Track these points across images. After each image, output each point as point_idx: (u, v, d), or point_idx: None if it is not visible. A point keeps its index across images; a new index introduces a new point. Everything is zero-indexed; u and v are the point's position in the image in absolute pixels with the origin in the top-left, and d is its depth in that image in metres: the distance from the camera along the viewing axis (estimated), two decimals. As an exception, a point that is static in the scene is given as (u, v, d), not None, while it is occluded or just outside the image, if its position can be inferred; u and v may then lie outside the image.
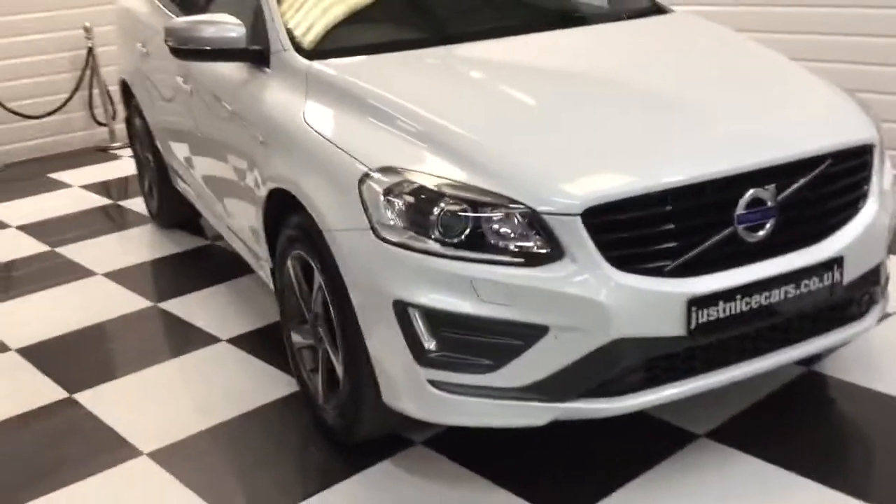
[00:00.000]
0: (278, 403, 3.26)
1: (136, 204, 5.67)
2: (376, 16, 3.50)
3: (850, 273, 2.62)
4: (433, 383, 2.49)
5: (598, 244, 2.36)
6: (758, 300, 2.47)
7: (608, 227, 2.38)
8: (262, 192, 3.09)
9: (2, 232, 5.46)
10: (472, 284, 2.38)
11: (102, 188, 6.27)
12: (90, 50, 7.20)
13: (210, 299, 4.22)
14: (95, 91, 7.39)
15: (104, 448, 3.06)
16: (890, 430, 2.89)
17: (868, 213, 2.67)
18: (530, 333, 2.38)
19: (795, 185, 2.53)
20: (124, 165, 6.60)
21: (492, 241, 2.40)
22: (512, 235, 2.40)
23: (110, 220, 5.60)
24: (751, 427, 2.92)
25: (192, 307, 4.15)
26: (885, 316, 3.49)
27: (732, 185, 2.47)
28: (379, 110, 2.77)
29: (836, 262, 2.57)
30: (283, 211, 2.97)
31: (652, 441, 2.87)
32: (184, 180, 4.54)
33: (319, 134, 2.80)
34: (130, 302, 4.26)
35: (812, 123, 2.73)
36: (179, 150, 4.41)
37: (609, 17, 3.65)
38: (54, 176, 6.65)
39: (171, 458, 2.98)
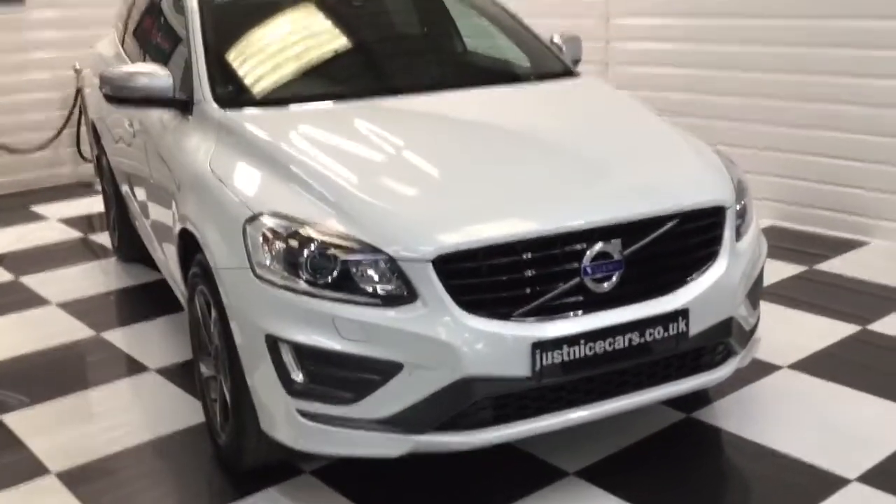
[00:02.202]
0: (189, 431, 3.46)
1: (105, 238, 5.94)
2: (294, 70, 3.75)
3: (697, 325, 2.80)
4: (302, 413, 2.70)
5: (449, 289, 2.57)
6: (602, 346, 2.67)
7: (459, 274, 2.59)
8: (175, 231, 3.34)
9: (-30, 261, 5.74)
10: (333, 322, 2.59)
11: (78, 222, 6.54)
12: (79, 90, 7.54)
13: (149, 331, 4.45)
14: (83, 129, 7.71)
15: (17, 466, 3.27)
16: (759, 478, 3.03)
17: (717, 269, 2.86)
18: (386, 369, 2.59)
19: (641, 242, 2.73)
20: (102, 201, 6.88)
21: (355, 283, 2.62)
22: (374, 278, 2.61)
23: (77, 253, 5.85)
24: (622, 468, 3.09)
25: (130, 338, 4.38)
26: (773, 369, 3.70)
27: (580, 238, 2.68)
28: (272, 159, 3.01)
29: (681, 315, 2.76)
30: (191, 250, 3.21)
31: (521, 475, 3.05)
32: (135, 218, 4.80)
33: (219, 178, 3.04)
34: (75, 331, 4.50)
35: (665, 185, 2.93)
36: (129, 189, 4.68)
37: (518, 78, 3.90)
38: (36, 209, 6.95)
39: (77, 478, 3.18)
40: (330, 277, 2.63)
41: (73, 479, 3.17)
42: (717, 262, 2.88)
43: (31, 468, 3.25)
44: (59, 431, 3.52)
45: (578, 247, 2.67)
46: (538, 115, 3.49)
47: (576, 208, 2.74)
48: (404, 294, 2.59)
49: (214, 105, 3.40)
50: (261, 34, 3.91)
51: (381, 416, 2.63)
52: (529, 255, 2.63)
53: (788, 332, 4.03)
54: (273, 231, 2.72)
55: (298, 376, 2.67)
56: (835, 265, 4.89)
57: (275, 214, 2.76)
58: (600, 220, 2.71)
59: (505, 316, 2.61)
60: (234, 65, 3.70)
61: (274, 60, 3.79)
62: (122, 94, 3.55)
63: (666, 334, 2.75)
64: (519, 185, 2.84)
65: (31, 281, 5.28)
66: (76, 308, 4.81)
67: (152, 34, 4.50)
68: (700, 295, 2.80)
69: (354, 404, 2.64)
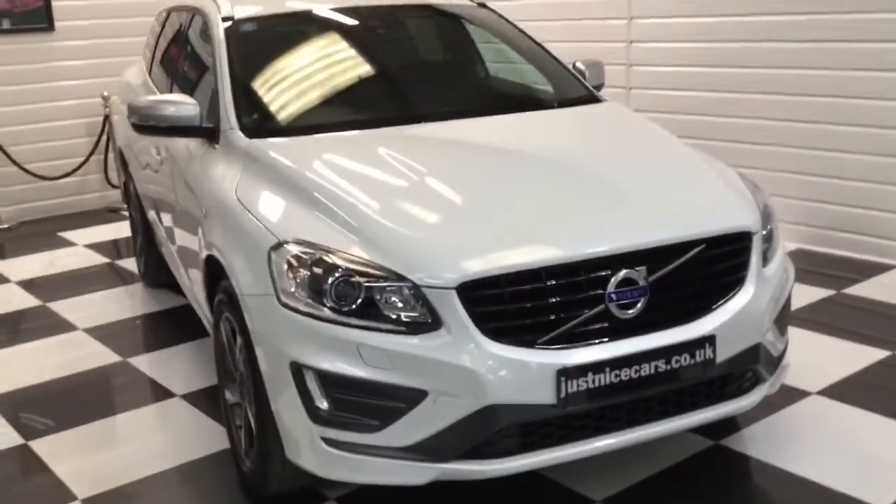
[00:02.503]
0: (214, 457, 3.47)
1: (131, 264, 5.99)
2: (319, 98, 3.78)
3: (724, 352, 2.78)
4: (326, 441, 2.70)
5: (473, 316, 2.57)
6: (627, 373, 2.65)
7: (483, 301, 2.59)
8: (202, 257, 3.36)
9: (0, 287, 5.79)
10: (357, 349, 2.59)
11: (105, 248, 6.61)
12: (106, 117, 7.63)
13: (175, 357, 4.48)
14: (111, 155, 7.80)
15: (44, 494, 3.29)
16: (785, 505, 3.01)
17: (744, 295, 2.84)
18: (411, 397, 2.58)
19: (666, 268, 2.72)
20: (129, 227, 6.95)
21: (379, 311, 2.62)
22: (398, 306, 2.62)
23: (104, 278, 5.91)
24: (649, 496, 3.06)
25: (157, 363, 4.41)
26: (802, 395, 3.65)
27: (605, 265, 2.67)
28: (297, 187, 3.03)
29: (707, 341, 2.74)
30: (217, 277, 3.23)
31: (547, 502, 3.02)
32: (161, 243, 4.84)
33: (244, 206, 3.07)
34: (102, 356, 4.53)
35: (690, 210, 2.92)
36: (156, 216, 4.72)
37: (541, 104, 3.91)
38: (63, 234, 7.03)
39: (102, 504, 3.20)
40: (354, 305, 2.63)
41: (98, 505, 3.19)
42: (743, 288, 2.86)
43: (58, 494, 3.27)
44: (84, 457, 3.53)
45: (603, 273, 2.66)
46: (562, 141, 3.50)
47: (600, 234, 2.74)
48: (428, 321, 2.59)
49: (240, 134, 3.44)
50: (286, 63, 3.95)
51: (405, 443, 2.62)
52: (554, 282, 2.63)
53: (817, 358, 3.99)
54: (298, 258, 2.73)
55: (323, 404, 2.67)
56: (863, 289, 4.84)
57: (299, 242, 2.77)
58: (625, 246, 2.70)
59: (529, 343, 2.60)
60: (260, 94, 3.74)
61: (299, 89, 3.83)
62: (149, 123, 3.59)
63: (693, 361, 2.73)
64: (543, 212, 2.84)
65: (59, 306, 5.33)
66: (102, 333, 4.85)
67: (179, 63, 4.56)
68: (727, 321, 2.78)
69: (379, 432, 2.63)
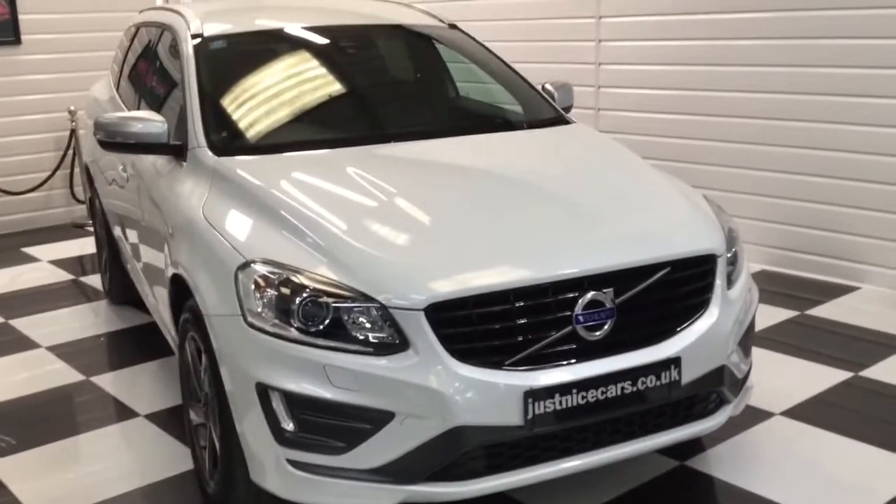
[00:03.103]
0: (178, 479, 3.42)
1: (96, 280, 5.92)
2: (288, 117, 3.77)
3: (689, 373, 2.80)
4: (292, 463, 2.67)
5: (441, 337, 2.57)
6: (594, 395, 2.66)
7: (451, 322, 2.59)
8: (167, 275, 3.33)
9: (-39, 303, 5.71)
10: (325, 370, 2.58)
11: (70, 264, 6.53)
12: (73, 131, 7.56)
13: (139, 375, 4.42)
14: (77, 170, 7.72)
15: (2, 514, 3.24)
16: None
17: (709, 318, 2.87)
18: (378, 418, 2.57)
19: (633, 291, 2.74)
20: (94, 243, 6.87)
21: (346, 331, 2.61)
22: (365, 327, 2.61)
23: (68, 295, 5.83)
24: (614, 518, 3.07)
25: (120, 382, 4.35)
26: (766, 416, 3.69)
27: (572, 287, 2.68)
28: (264, 206, 3.02)
29: (673, 363, 2.76)
30: (183, 296, 3.20)
31: (513, 526, 3.02)
32: (127, 261, 4.79)
33: (211, 224, 3.05)
34: (65, 375, 4.47)
35: (657, 233, 2.94)
36: (121, 232, 4.68)
37: (510, 126, 3.93)
38: (27, 250, 6.93)
39: (62, 526, 3.15)
40: (322, 325, 2.62)
41: (59, 528, 3.14)
42: (708, 311, 2.89)
43: (17, 517, 3.21)
44: (44, 477, 3.47)
45: (570, 295, 2.67)
46: (530, 162, 3.52)
47: (568, 257, 2.75)
48: (396, 342, 2.58)
49: (209, 152, 3.42)
50: (256, 81, 3.94)
51: (372, 465, 2.61)
52: (521, 304, 2.63)
53: (781, 379, 4.03)
54: (265, 278, 2.72)
55: (289, 425, 2.65)
56: (826, 310, 4.90)
57: (267, 262, 2.75)
58: (592, 268, 2.71)
59: (497, 364, 2.60)
60: (229, 112, 3.72)
61: (268, 107, 3.82)
62: (116, 140, 3.57)
63: (658, 382, 2.74)
64: (511, 234, 2.85)
65: (21, 323, 5.25)
66: (65, 351, 4.78)
67: (147, 79, 4.53)
68: (692, 343, 2.80)
69: (345, 454, 2.62)
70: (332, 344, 2.60)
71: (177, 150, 3.57)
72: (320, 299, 2.63)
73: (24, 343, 4.93)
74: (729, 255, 3.09)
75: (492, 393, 2.57)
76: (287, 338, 2.63)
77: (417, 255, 2.74)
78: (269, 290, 2.69)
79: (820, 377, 4.05)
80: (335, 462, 2.63)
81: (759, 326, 4.40)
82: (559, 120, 3.99)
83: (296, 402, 2.62)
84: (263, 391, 2.65)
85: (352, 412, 2.58)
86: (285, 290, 2.67)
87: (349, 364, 2.57)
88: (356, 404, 2.57)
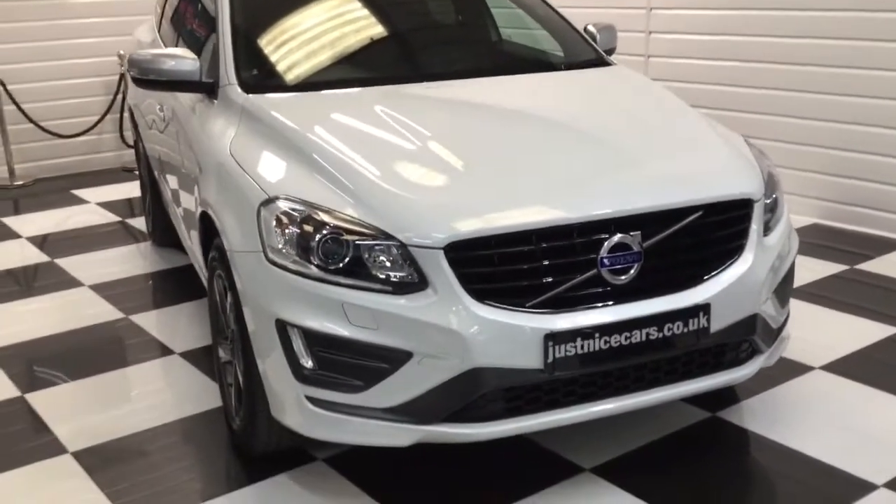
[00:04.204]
0: (208, 414, 3.46)
1: (142, 223, 5.99)
2: (322, 55, 3.71)
3: (719, 321, 2.71)
4: (311, 400, 2.67)
5: (460, 277, 2.52)
6: (618, 340, 2.59)
7: (471, 262, 2.54)
8: (196, 214, 3.33)
9: (12, 242, 5.81)
10: (343, 308, 2.55)
11: (117, 206, 6.61)
12: (122, 76, 7.60)
13: (177, 315, 4.47)
14: (126, 114, 7.79)
15: (36, 445, 3.29)
16: (782, 481, 2.94)
17: (742, 264, 2.77)
18: (395, 357, 2.55)
19: (662, 234, 2.65)
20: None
21: (366, 270, 2.58)
22: (385, 265, 2.57)
23: (115, 236, 5.90)
24: (640, 466, 3.01)
25: (159, 321, 4.40)
26: (805, 370, 3.58)
27: (598, 229, 2.60)
28: (291, 144, 2.98)
29: (702, 310, 2.67)
30: (210, 234, 3.19)
31: (535, 469, 2.98)
32: (168, 203, 4.82)
33: (237, 162, 3.02)
34: (105, 313, 4.53)
35: (689, 175, 2.84)
36: (161, 175, 4.70)
37: (549, 67, 3.82)
38: (77, 192, 7.03)
39: (92, 458, 3.19)
40: (341, 263, 2.59)
41: (90, 460, 3.18)
42: (742, 257, 2.79)
43: (48, 448, 3.27)
44: (78, 412, 3.54)
45: (596, 237, 2.60)
46: (566, 103, 3.42)
47: (595, 198, 2.67)
48: (415, 282, 2.54)
49: (238, 89, 3.39)
50: (290, 18, 3.88)
51: (389, 404, 2.59)
52: (544, 245, 2.57)
53: (823, 333, 3.91)
54: (287, 214, 2.69)
55: (308, 362, 2.64)
56: (876, 265, 4.73)
57: (289, 198, 2.73)
58: (619, 210, 2.63)
59: (517, 306, 2.55)
60: (261, 49, 3.69)
61: (302, 45, 3.77)
62: (148, 77, 3.55)
63: (686, 329, 2.67)
64: (537, 173, 2.78)
65: (67, 263, 5.33)
66: (108, 291, 4.84)
67: (186, 19, 4.51)
68: (723, 290, 2.71)
69: (363, 392, 2.60)
70: (351, 282, 2.57)
71: (208, 87, 3.54)
72: (341, 237, 2.60)
73: (68, 282, 5.01)
74: (768, 200, 2.98)
75: (511, 335, 2.52)
76: (307, 275, 2.61)
77: (440, 194, 2.69)
78: (290, 226, 2.67)
79: (864, 332, 3.92)
80: (353, 400, 2.62)
81: (805, 280, 4.30)
82: (599, 61, 3.87)
83: (314, 340, 2.61)
84: (283, 328, 2.64)
85: (369, 351, 2.56)
86: (306, 227, 2.64)
87: (367, 302, 2.54)
88: (374, 343, 2.54)
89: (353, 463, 3.06)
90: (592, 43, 4.02)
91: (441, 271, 2.51)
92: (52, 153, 7.60)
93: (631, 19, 6.17)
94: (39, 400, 3.64)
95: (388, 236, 2.56)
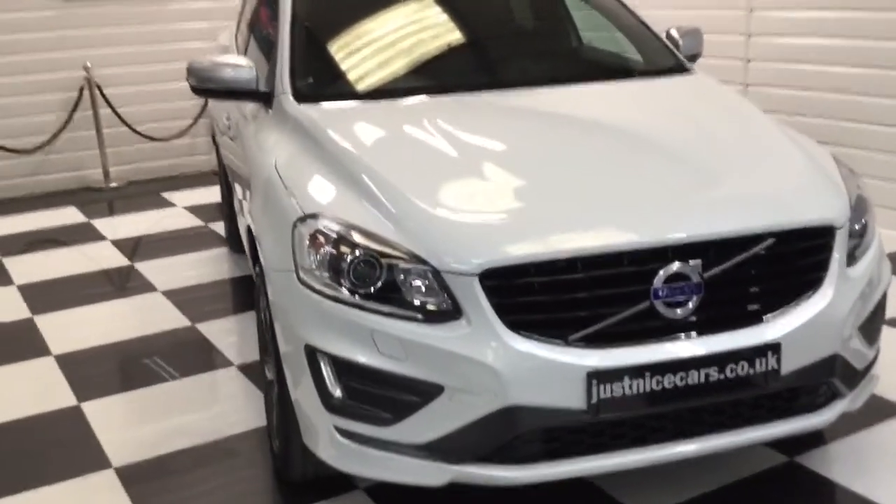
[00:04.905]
0: (256, 433, 3.36)
1: (223, 228, 5.99)
2: (381, 63, 3.56)
3: (792, 362, 2.43)
4: (340, 431, 2.51)
5: (497, 307, 2.32)
6: (672, 381, 2.34)
7: (509, 290, 2.33)
8: (243, 228, 3.23)
9: (96, 244, 5.90)
10: (372, 336, 2.39)
11: (204, 211, 6.64)
12: (215, 80, 7.66)
13: (241, 325, 4.41)
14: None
15: (79, 459, 3.25)
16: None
17: (821, 299, 2.47)
18: (426, 391, 2.36)
19: (726, 264, 2.38)
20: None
21: (398, 296, 2.40)
22: (417, 292, 2.39)
23: (196, 241, 5.91)
24: (710, 513, 2.76)
25: (223, 330, 4.35)
26: (893, 415, 3.23)
27: (651, 257, 2.36)
28: (335, 160, 2.83)
29: (771, 349, 2.39)
30: (255, 249, 3.08)
31: (584, 512, 2.76)
32: (238, 211, 4.76)
33: (280, 176, 2.90)
34: (172, 319, 4.51)
35: (761, 198, 2.56)
36: (231, 182, 4.65)
37: (622, 74, 3.57)
38: (166, 195, 7.12)
39: (133, 475, 3.13)
40: (372, 288, 2.42)
41: (130, 475, 3.12)
42: (821, 290, 2.49)
43: (92, 462, 3.22)
44: (131, 425, 3.49)
45: (650, 266, 2.35)
46: (631, 116, 3.16)
47: (649, 222, 2.42)
48: (448, 310, 2.35)
49: (291, 98, 3.27)
50: (356, 24, 3.75)
51: (420, 441, 2.41)
52: (590, 273, 2.34)
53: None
54: (322, 233, 2.54)
55: (336, 391, 2.48)
56: None
57: (325, 217, 2.58)
58: (677, 236, 2.38)
59: (559, 340, 2.32)
60: (321, 56, 3.57)
61: (366, 51, 3.63)
62: (206, 86, 3.48)
63: (752, 371, 2.39)
64: (590, 194, 2.55)
65: (145, 267, 5.37)
66: (179, 297, 4.83)
67: (259, 23, 4.44)
68: (798, 328, 2.42)
69: (393, 426, 2.43)
70: (381, 308, 2.40)
71: (265, 97, 3.44)
72: (372, 259, 2.43)
73: (142, 287, 5.02)
74: (857, 226, 2.67)
75: (551, 372, 2.30)
76: (336, 298, 2.45)
77: (482, 216, 2.48)
78: (323, 246, 2.52)
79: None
80: (382, 434, 2.45)
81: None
82: (678, 69, 3.59)
83: (343, 368, 2.45)
84: (312, 354, 2.49)
85: (398, 383, 2.38)
86: (339, 248, 2.49)
87: (397, 331, 2.37)
88: (403, 374, 2.37)
89: (396, 495, 2.89)
90: (673, 48, 3.74)
91: (475, 300, 2.31)
92: (146, 156, 7.73)
93: (728, 21, 5.81)
94: (92, 409, 3.62)
95: (421, 261, 2.38)
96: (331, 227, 2.53)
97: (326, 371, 2.48)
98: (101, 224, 6.38)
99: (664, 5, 5.94)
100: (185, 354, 4.14)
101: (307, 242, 2.55)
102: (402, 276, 2.40)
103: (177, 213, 6.64)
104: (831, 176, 2.75)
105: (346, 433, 2.50)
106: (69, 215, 6.66)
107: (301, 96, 3.28)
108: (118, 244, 5.88)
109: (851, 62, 5.25)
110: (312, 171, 2.86)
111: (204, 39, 7.68)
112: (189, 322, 4.48)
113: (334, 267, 2.48)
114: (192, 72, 3.49)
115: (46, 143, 7.28)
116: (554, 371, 2.30)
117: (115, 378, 3.89)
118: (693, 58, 3.83)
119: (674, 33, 3.85)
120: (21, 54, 7.16)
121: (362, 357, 2.40)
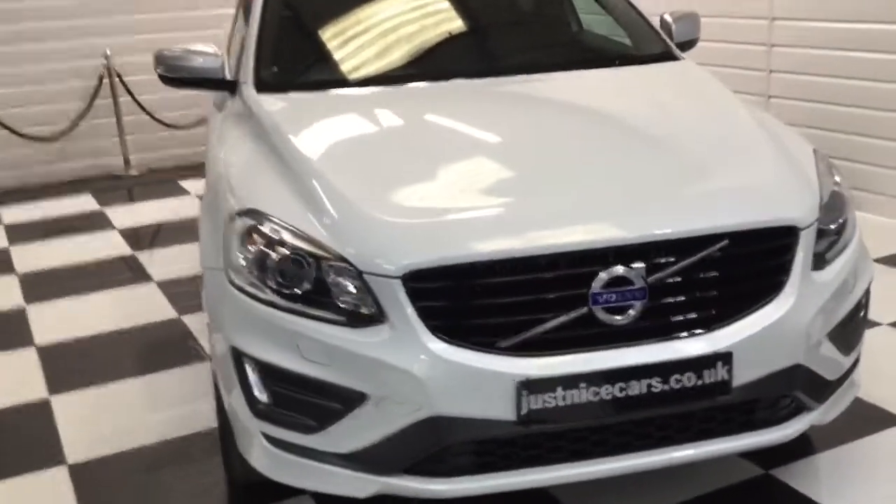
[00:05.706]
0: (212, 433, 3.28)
1: (232, 217, 5.93)
2: (360, 49, 3.42)
3: (745, 374, 2.24)
4: (267, 438, 2.40)
5: (421, 311, 2.17)
6: (609, 391, 2.18)
7: (434, 294, 2.18)
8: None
9: (104, 233, 5.89)
10: (295, 340, 2.27)
11: (216, 199, 6.60)
12: (234, 67, 7.62)
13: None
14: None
15: (36, 454, 3.20)
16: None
17: (780, 305, 2.28)
18: (349, 398, 2.24)
19: (672, 268, 2.20)
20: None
21: (322, 299, 2.27)
22: (346, 295, 2.26)
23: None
24: (668, 528, 2.59)
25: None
26: (888, 423, 3.02)
27: (589, 259, 2.19)
28: (277, 152, 2.71)
29: (721, 359, 2.21)
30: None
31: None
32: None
33: (225, 167, 2.79)
34: (160, 311, 4.46)
35: (716, 195, 2.36)
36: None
37: (605, 62, 3.37)
38: (183, 184, 7.09)
39: (86, 472, 3.07)
40: (297, 289, 2.29)
41: (82, 472, 3.06)
42: (781, 296, 2.29)
43: (49, 457, 3.17)
44: (93, 420, 3.43)
45: (588, 269, 2.19)
46: (602, 108, 2.96)
47: (588, 222, 2.25)
48: (373, 315, 2.21)
49: (252, 88, 3.15)
50: (327, 15, 3.61)
51: (344, 450, 2.29)
52: (521, 277, 2.18)
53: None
54: (253, 231, 2.42)
55: (263, 396, 2.37)
56: None
57: (256, 214, 2.44)
58: (616, 237, 2.20)
59: (487, 347, 2.17)
60: (289, 46, 3.43)
61: (334, 42, 3.51)
62: (175, 75, 3.38)
63: (699, 382, 2.21)
64: (529, 191, 2.38)
65: (145, 257, 5.33)
66: (173, 289, 4.78)
67: (244, 14, 4.33)
68: (752, 336, 2.23)
69: (317, 434, 2.30)
70: (306, 310, 2.27)
71: (231, 85, 3.34)
72: (301, 260, 2.30)
73: (138, 277, 4.99)
74: (833, 226, 2.47)
75: (478, 380, 2.15)
76: (262, 299, 2.33)
77: (411, 214, 2.33)
78: (253, 245, 2.40)
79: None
80: (308, 442, 2.33)
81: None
82: (663, 56, 3.38)
83: (267, 373, 2.33)
84: (238, 357, 2.38)
85: (322, 389, 2.25)
86: (269, 247, 2.36)
87: (320, 335, 2.24)
88: (325, 380, 2.24)
89: (343, 499, 2.77)
90: (664, 35, 3.53)
91: (398, 304, 2.17)
92: (167, 144, 7.71)
93: (749, 30, 5.53)
94: (60, 403, 3.57)
95: (345, 261, 2.24)
96: (262, 223, 2.41)
97: (252, 375, 2.37)
98: (112, 213, 6.38)
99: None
100: (165, 348, 4.07)
101: (238, 240, 2.44)
102: (330, 278, 2.27)
103: (190, 202, 6.60)
104: (804, 172, 2.54)
105: (273, 440, 2.39)
106: (83, 203, 6.68)
107: (263, 85, 3.16)
108: (125, 233, 5.86)
109: (874, 77, 4.95)
110: (260, 167, 2.73)
111: (223, 27, 7.64)
112: (176, 314, 4.42)
113: (262, 266, 2.36)
114: (160, 60, 3.39)
115: (67, 130, 7.30)
116: (481, 380, 2.15)
117: (90, 371, 3.84)
118: (690, 43, 3.62)
119: (667, 18, 3.64)
120: (41, 42, 7.19)
121: (286, 362, 2.28)
